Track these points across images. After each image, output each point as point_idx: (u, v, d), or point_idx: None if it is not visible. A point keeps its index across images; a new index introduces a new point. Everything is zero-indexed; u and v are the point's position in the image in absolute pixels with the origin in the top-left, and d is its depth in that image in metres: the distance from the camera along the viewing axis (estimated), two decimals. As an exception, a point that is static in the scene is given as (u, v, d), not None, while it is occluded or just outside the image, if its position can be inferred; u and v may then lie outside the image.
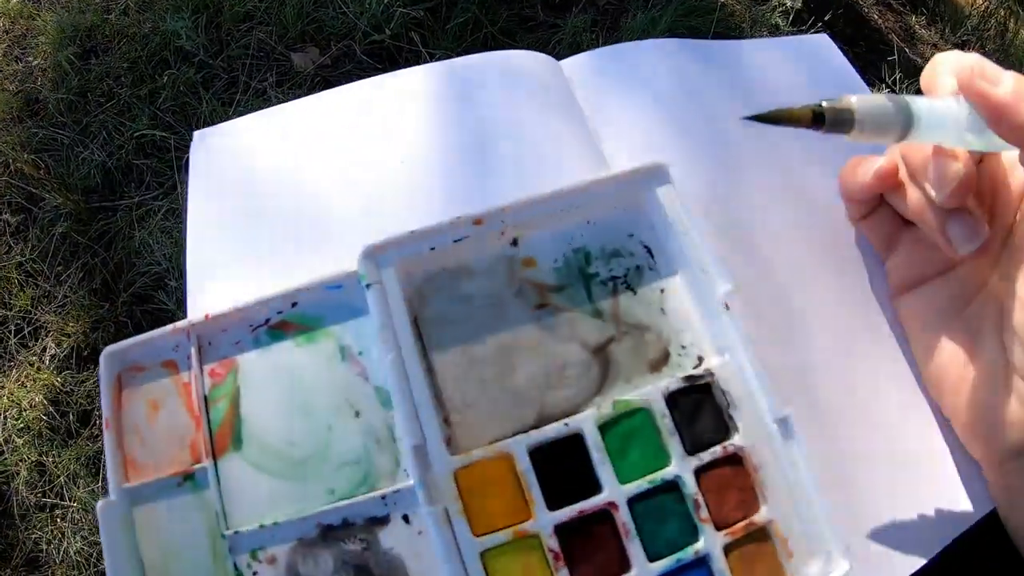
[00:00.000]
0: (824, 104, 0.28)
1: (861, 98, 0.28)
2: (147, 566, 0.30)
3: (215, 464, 0.31)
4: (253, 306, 0.32)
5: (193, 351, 0.32)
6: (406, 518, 0.30)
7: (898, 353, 0.35)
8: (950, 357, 0.33)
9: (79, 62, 1.18)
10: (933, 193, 0.30)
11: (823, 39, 0.44)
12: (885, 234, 0.36)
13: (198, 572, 0.30)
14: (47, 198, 1.11)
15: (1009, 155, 0.31)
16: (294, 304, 0.33)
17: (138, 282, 1.05)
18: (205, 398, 0.32)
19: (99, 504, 0.30)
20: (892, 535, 0.32)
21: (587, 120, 0.40)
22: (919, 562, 0.32)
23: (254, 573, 0.29)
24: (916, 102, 0.29)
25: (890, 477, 0.33)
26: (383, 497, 0.30)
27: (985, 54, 0.31)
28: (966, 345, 0.32)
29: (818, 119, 0.28)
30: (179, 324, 0.32)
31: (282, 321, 0.33)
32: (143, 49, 1.17)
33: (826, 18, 1.29)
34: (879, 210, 0.36)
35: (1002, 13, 1.31)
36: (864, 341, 0.36)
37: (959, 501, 0.33)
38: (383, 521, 0.30)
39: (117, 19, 1.20)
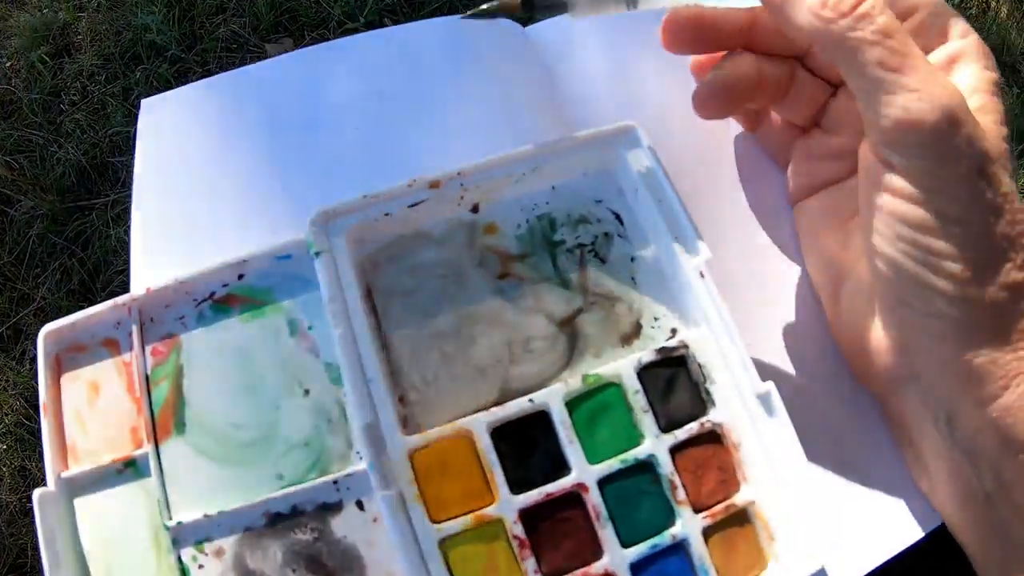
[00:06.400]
0: None
1: None
2: (88, 559, 0.28)
3: (157, 449, 0.29)
4: (197, 279, 0.30)
5: (135, 328, 0.30)
6: (360, 504, 0.28)
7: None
8: (829, 269, 0.32)
9: (52, 61, 1.17)
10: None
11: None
12: (776, 143, 0.35)
13: (141, 565, 0.27)
14: (22, 200, 1.10)
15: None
16: (241, 276, 0.30)
17: (115, 281, 1.04)
18: (147, 378, 0.30)
19: (35, 494, 0.28)
20: (876, 514, 0.31)
21: (554, 85, 0.38)
22: (902, 544, 0.30)
23: (200, 566, 0.27)
24: None
25: (874, 455, 0.31)
26: (335, 482, 0.28)
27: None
28: (843, 258, 0.31)
29: (528, 4, 0.30)
30: (120, 299, 0.30)
31: (228, 295, 0.30)
32: (115, 46, 1.16)
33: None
34: (767, 122, 0.35)
35: (984, -10, 1.30)
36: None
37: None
38: (335, 508, 0.28)
39: (90, 16, 1.19)
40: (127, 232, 1.04)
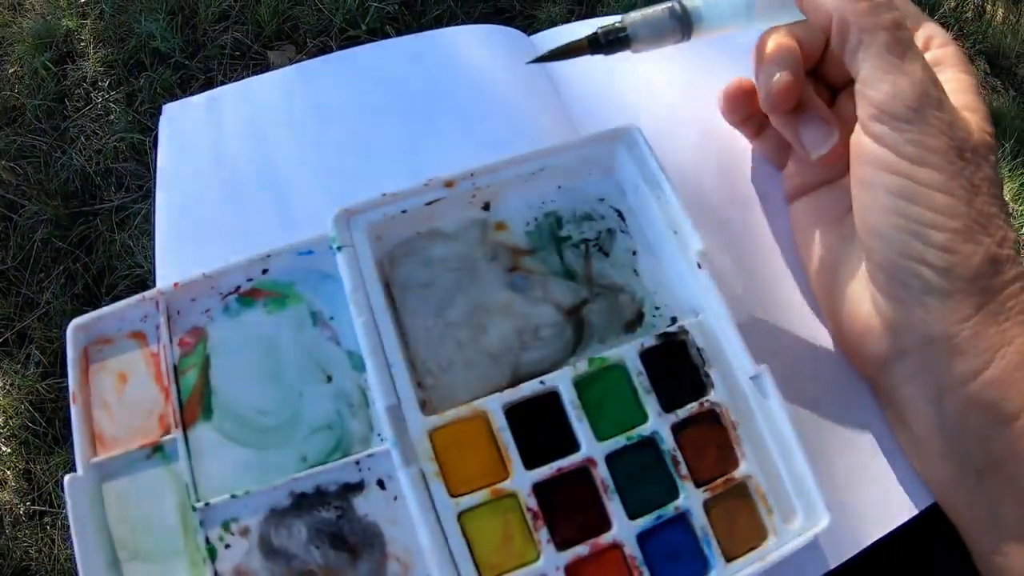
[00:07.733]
0: (598, 30, 0.30)
1: (634, 12, 0.31)
2: (116, 542, 0.29)
3: (184, 434, 0.30)
4: (223, 273, 0.32)
5: (162, 320, 0.31)
6: (381, 483, 0.29)
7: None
8: (825, 261, 0.33)
9: (56, 68, 1.18)
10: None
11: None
12: (775, 150, 0.37)
13: (169, 546, 0.29)
14: (27, 205, 1.10)
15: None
16: (264, 271, 0.32)
17: (120, 285, 1.04)
18: (174, 367, 0.31)
19: (66, 479, 0.29)
20: (870, 492, 0.32)
21: (559, 90, 0.39)
22: (896, 522, 0.31)
23: (226, 546, 0.28)
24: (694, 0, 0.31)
25: (867, 434, 0.33)
26: (357, 463, 0.29)
27: (963, 36, 0.32)
28: (838, 251, 0.33)
29: (595, 44, 0.31)
30: (147, 293, 0.31)
31: (252, 288, 0.32)
32: (119, 53, 1.17)
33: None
34: (768, 129, 0.37)
35: (979, -5, 1.32)
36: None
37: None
38: (357, 487, 0.29)
39: (93, 23, 1.20)
40: (131, 237, 1.05)
